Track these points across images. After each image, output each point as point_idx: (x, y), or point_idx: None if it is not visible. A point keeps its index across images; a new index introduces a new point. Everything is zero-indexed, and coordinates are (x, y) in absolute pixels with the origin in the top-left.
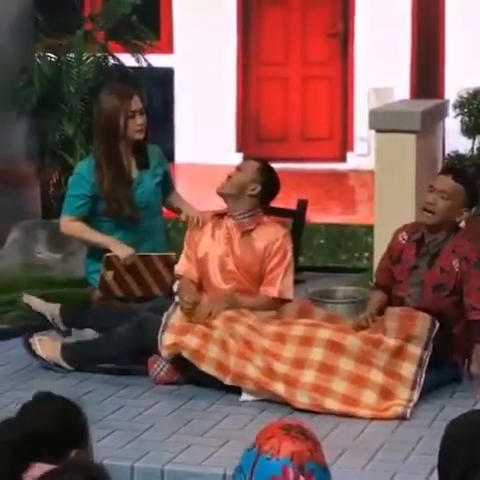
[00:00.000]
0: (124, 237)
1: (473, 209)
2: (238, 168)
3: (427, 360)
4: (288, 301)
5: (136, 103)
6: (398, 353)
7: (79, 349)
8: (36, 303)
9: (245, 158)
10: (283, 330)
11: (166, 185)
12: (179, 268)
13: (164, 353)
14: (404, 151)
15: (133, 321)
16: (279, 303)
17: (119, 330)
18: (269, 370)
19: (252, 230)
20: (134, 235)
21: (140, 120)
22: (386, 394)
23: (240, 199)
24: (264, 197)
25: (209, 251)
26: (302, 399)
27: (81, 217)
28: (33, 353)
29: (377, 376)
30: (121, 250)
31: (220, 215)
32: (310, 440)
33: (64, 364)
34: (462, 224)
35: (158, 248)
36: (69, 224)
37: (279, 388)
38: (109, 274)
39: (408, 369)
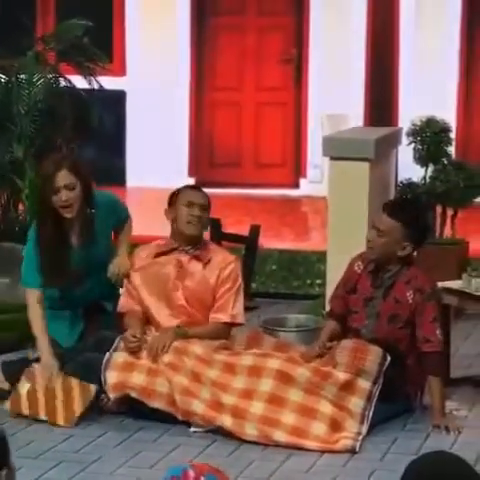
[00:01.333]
0: (70, 301)
1: (424, 240)
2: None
3: (376, 394)
4: (239, 325)
5: (62, 179)
6: (347, 387)
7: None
8: None
9: (197, 183)
10: (233, 360)
11: (117, 226)
12: (122, 305)
13: (110, 394)
14: (357, 179)
15: (76, 362)
16: (230, 328)
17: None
18: (216, 403)
19: (203, 261)
20: (81, 292)
21: (64, 196)
22: (335, 426)
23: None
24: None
25: (154, 289)
26: (250, 431)
27: (42, 285)
28: None
29: (326, 407)
30: (45, 369)
31: (165, 252)
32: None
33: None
34: (415, 255)
35: (104, 292)
36: (32, 300)
37: (227, 421)
38: (25, 386)
39: (357, 404)
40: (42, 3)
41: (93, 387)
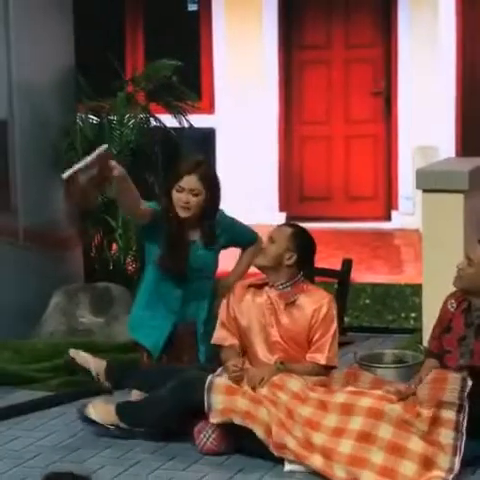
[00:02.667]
0: (168, 291)
1: None
2: (270, 238)
3: (464, 423)
4: (334, 368)
5: (188, 183)
6: (434, 421)
7: (130, 409)
8: (82, 357)
9: (288, 217)
10: (326, 398)
11: (238, 244)
12: (219, 338)
13: (214, 419)
14: (452, 210)
15: (178, 378)
16: (326, 370)
17: (161, 392)
18: (307, 442)
19: (296, 300)
20: (181, 292)
21: (184, 199)
22: (426, 463)
23: (279, 270)
24: (302, 263)
25: (251, 322)
26: (339, 473)
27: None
28: (86, 419)
29: (416, 445)
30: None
31: (259, 285)
32: None
33: (121, 424)
34: None
35: (200, 312)
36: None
37: (317, 461)
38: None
39: (446, 435)
40: (131, 44)
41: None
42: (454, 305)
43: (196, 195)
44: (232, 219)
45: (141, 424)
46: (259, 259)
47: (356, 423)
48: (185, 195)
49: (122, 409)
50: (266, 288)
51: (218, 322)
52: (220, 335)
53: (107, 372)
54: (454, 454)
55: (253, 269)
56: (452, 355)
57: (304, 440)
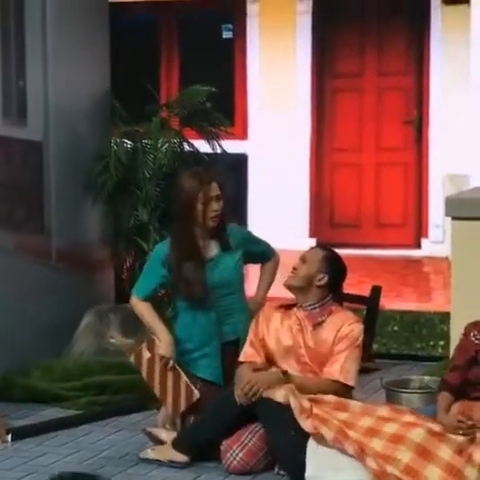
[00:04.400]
0: (202, 316)
1: None
2: (302, 259)
3: None
4: (351, 388)
5: (214, 190)
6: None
7: (185, 437)
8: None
9: (318, 243)
10: (377, 426)
11: (254, 258)
12: (247, 356)
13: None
14: None
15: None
16: (341, 388)
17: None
18: (343, 432)
19: (323, 321)
20: (212, 314)
21: (215, 206)
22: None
23: (308, 291)
24: (332, 285)
25: (279, 344)
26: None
27: (149, 298)
28: (145, 460)
29: (446, 453)
30: (162, 345)
31: (288, 306)
32: None
33: (179, 458)
34: None
35: (239, 327)
36: (137, 304)
37: (350, 449)
38: (147, 353)
39: None
40: (166, 70)
41: (197, 393)
42: (478, 336)
43: (220, 200)
44: (247, 233)
45: (197, 448)
46: (290, 279)
47: (405, 456)
48: (214, 203)
49: (177, 442)
50: (295, 309)
51: (247, 341)
52: (248, 352)
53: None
54: None
55: (278, 292)
56: None
57: (340, 430)
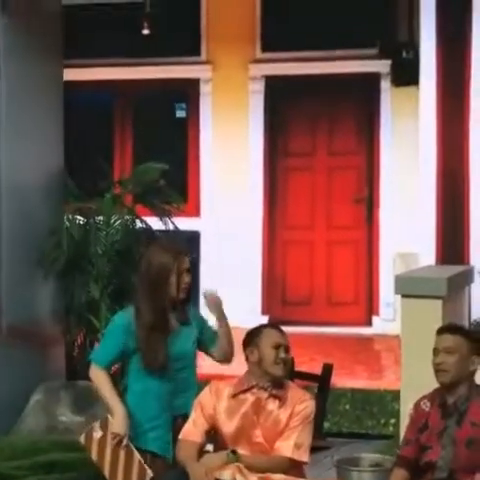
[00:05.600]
0: (157, 387)
1: None
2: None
3: None
4: (302, 463)
5: (186, 262)
6: None
7: None
8: None
9: (270, 321)
10: None
11: (205, 342)
12: (185, 432)
13: None
14: (430, 316)
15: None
16: (294, 464)
17: None
18: None
19: (279, 398)
20: (167, 386)
21: (187, 279)
22: None
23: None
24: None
25: (232, 423)
26: None
27: (109, 367)
28: None
29: None
30: (116, 422)
31: (243, 391)
32: None
33: None
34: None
35: (190, 402)
36: (97, 373)
37: None
38: (98, 433)
39: None
40: (120, 147)
41: (150, 472)
42: (428, 404)
43: (189, 273)
44: (197, 312)
45: None
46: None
47: None
48: (186, 276)
49: None
50: (254, 389)
51: (189, 418)
52: (188, 431)
53: None
54: None
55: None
56: (432, 450)
57: None
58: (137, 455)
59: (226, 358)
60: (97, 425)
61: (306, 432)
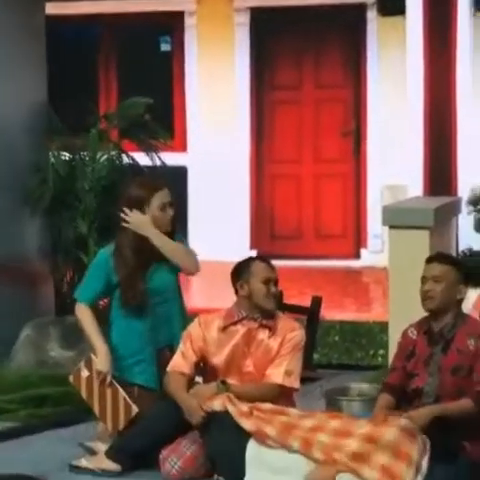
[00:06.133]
0: (138, 323)
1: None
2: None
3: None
4: (293, 389)
5: (167, 196)
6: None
7: (120, 446)
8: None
9: (259, 255)
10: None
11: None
12: (173, 364)
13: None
14: (417, 247)
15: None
16: (285, 390)
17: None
18: (286, 430)
19: (269, 328)
20: (148, 321)
21: (170, 212)
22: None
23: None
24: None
25: (222, 354)
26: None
27: (93, 303)
28: (77, 468)
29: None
30: (99, 360)
31: (233, 323)
32: None
33: (112, 467)
34: (468, 308)
35: (174, 335)
36: (81, 311)
37: (296, 444)
38: (85, 373)
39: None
40: (104, 82)
41: (135, 408)
42: (415, 332)
43: (172, 207)
44: (183, 239)
45: (132, 457)
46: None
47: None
48: (169, 210)
49: (112, 450)
50: (244, 321)
51: (178, 350)
52: (177, 362)
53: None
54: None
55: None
56: (419, 377)
57: (283, 428)
58: (122, 392)
59: (189, 272)
60: (83, 365)
61: (296, 359)
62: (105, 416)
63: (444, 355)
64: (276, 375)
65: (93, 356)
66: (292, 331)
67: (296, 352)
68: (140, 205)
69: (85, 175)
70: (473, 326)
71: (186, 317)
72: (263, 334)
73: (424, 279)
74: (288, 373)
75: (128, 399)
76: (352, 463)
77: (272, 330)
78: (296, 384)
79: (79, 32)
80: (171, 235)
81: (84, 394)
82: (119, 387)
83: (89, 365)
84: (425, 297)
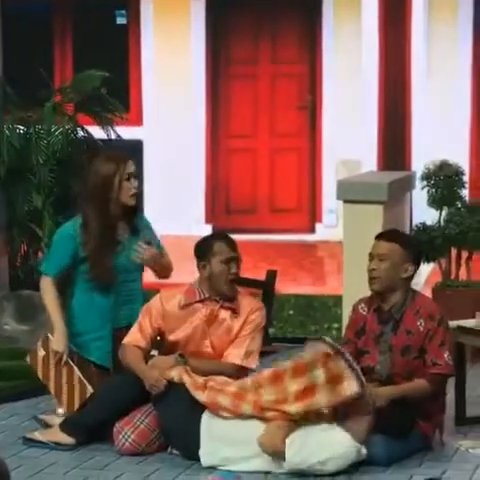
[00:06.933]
0: (101, 299)
1: (420, 259)
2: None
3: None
4: (249, 369)
5: (131, 166)
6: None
7: (74, 419)
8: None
9: (214, 229)
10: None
11: None
12: (130, 337)
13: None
14: (371, 221)
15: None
16: (240, 370)
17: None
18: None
19: (231, 309)
20: (111, 299)
21: (135, 183)
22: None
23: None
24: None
25: (181, 332)
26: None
27: (58, 276)
28: (30, 440)
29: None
30: (56, 339)
31: (193, 302)
32: None
33: (66, 440)
34: (421, 283)
35: (133, 314)
36: (46, 284)
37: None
38: (41, 352)
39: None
40: (60, 54)
41: (90, 388)
42: (365, 308)
43: (136, 178)
44: (149, 223)
45: (86, 430)
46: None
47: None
48: (133, 181)
49: (66, 423)
50: (206, 301)
51: (136, 324)
52: (134, 336)
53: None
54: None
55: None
56: (370, 355)
57: (235, 395)
58: (77, 372)
59: (165, 277)
60: (39, 344)
61: (256, 340)
62: (60, 396)
63: (394, 335)
64: (235, 356)
65: (50, 336)
66: (254, 312)
67: (257, 333)
68: (110, 179)
69: (40, 148)
70: (422, 304)
71: (145, 297)
72: (225, 314)
73: (370, 256)
74: (247, 354)
75: (83, 379)
76: (302, 403)
77: (234, 311)
78: (254, 364)
79: (33, 5)
80: (134, 210)
81: (40, 374)
82: (75, 367)
83: (45, 345)
84: (370, 276)
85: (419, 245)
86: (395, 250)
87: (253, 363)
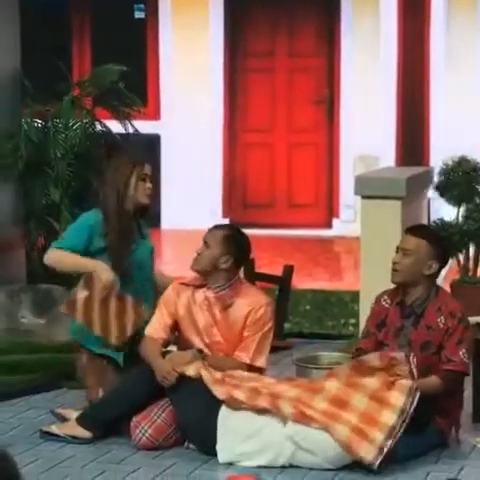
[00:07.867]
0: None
1: (448, 258)
2: (205, 242)
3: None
4: (260, 369)
5: (148, 168)
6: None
7: (91, 413)
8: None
9: (232, 224)
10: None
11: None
12: (149, 328)
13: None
14: (389, 217)
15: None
16: (250, 369)
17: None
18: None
19: (233, 303)
20: (126, 291)
21: (149, 184)
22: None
23: (215, 273)
24: (239, 263)
25: (193, 321)
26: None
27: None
28: (47, 434)
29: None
30: (103, 274)
31: (198, 285)
32: None
33: (83, 434)
34: (440, 283)
35: (146, 312)
36: (54, 251)
37: (264, 402)
38: (82, 293)
39: (377, 436)
40: (78, 48)
41: (146, 312)
42: (388, 301)
43: (152, 181)
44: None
45: (103, 424)
46: (195, 264)
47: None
48: (148, 182)
49: (82, 417)
50: (204, 289)
51: (155, 315)
52: (153, 328)
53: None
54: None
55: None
56: (390, 348)
57: (252, 391)
58: (130, 298)
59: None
60: (79, 287)
61: (265, 339)
62: (108, 331)
63: (414, 329)
64: (244, 358)
65: (94, 273)
66: (259, 308)
67: (266, 332)
68: (128, 177)
69: (58, 142)
70: (444, 301)
71: (155, 297)
72: (228, 307)
73: (397, 249)
74: (257, 355)
75: (138, 305)
76: (324, 419)
77: (236, 303)
78: (264, 364)
79: None
80: (145, 211)
81: (80, 317)
82: (127, 295)
83: (88, 283)
84: (393, 268)
85: (447, 244)
86: (421, 246)
87: (263, 363)
